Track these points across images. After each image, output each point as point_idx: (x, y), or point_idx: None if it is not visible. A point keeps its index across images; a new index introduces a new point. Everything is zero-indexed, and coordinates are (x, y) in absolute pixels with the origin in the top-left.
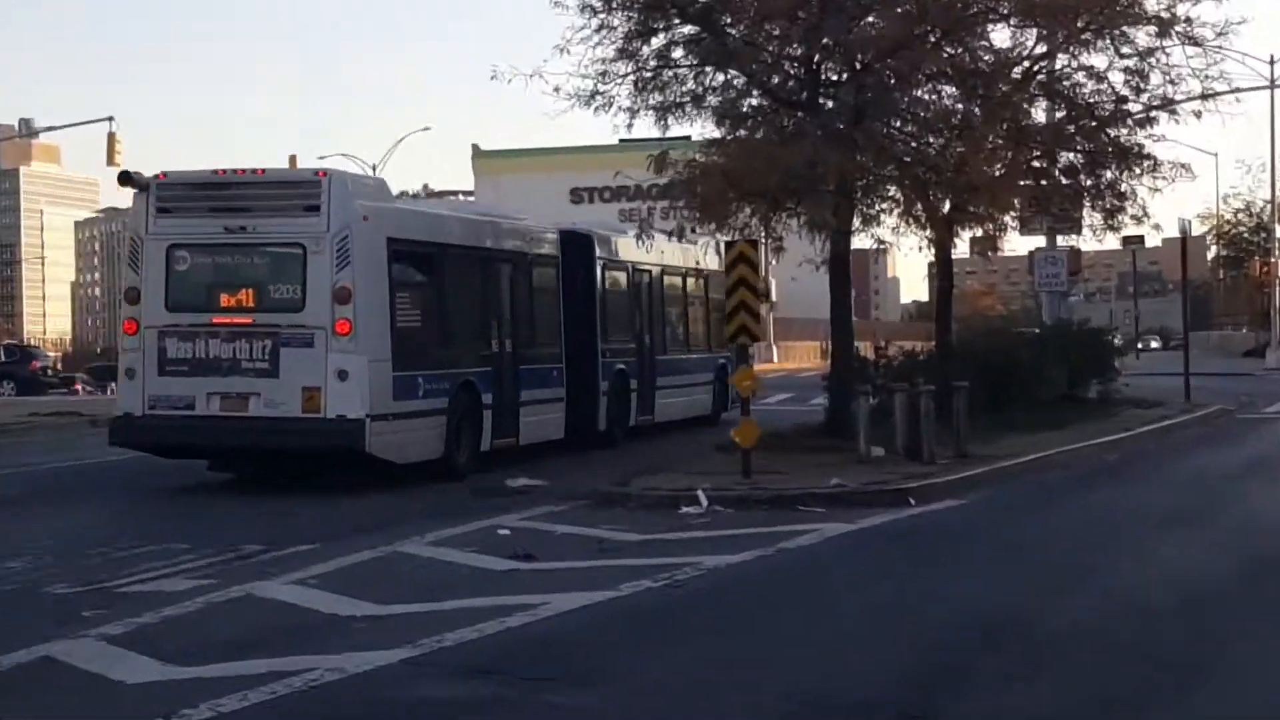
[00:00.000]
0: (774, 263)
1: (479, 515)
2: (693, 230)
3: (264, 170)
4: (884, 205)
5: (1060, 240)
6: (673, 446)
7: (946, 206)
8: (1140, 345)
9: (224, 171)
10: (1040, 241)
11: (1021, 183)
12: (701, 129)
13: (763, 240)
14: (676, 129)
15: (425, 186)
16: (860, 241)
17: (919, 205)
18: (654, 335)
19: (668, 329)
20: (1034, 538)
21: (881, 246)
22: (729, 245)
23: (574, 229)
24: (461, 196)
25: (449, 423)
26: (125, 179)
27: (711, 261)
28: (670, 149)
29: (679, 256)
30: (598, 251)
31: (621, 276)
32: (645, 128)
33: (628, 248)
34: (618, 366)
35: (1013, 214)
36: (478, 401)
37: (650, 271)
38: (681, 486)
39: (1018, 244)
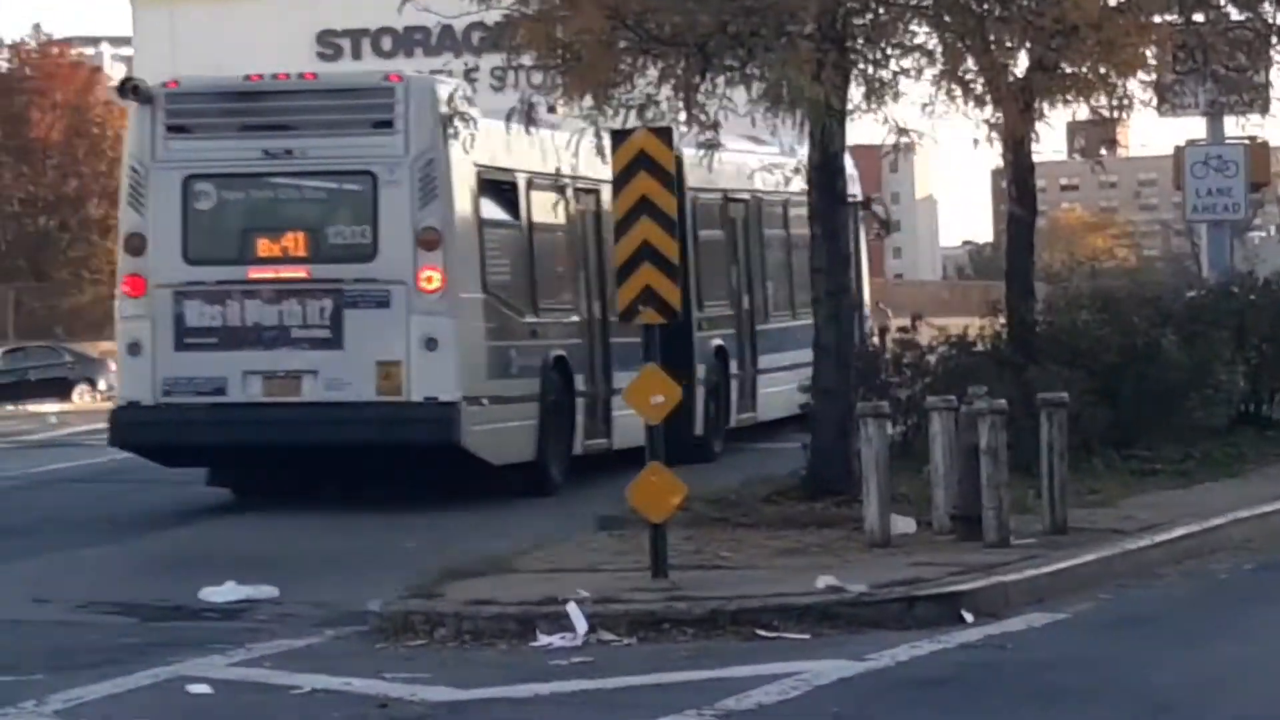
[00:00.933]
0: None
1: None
2: (551, 109)
3: (315, 74)
4: (908, 62)
5: (1233, 125)
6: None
7: (1023, 64)
8: None
9: (259, 77)
10: (1196, 129)
11: (1159, 18)
12: None
13: (682, 126)
14: None
15: (36, 28)
16: (865, 131)
17: (971, 61)
18: (754, 297)
19: (770, 287)
20: (1196, 689)
21: (905, 140)
22: (617, 137)
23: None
24: (108, 46)
25: (541, 414)
26: (125, 89)
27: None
28: None
29: (766, 177)
30: (689, 179)
31: (715, 210)
32: None
33: (720, 168)
34: (714, 343)
35: (1144, 76)
36: (569, 386)
37: (745, 202)
38: (536, 596)
39: (1154, 135)
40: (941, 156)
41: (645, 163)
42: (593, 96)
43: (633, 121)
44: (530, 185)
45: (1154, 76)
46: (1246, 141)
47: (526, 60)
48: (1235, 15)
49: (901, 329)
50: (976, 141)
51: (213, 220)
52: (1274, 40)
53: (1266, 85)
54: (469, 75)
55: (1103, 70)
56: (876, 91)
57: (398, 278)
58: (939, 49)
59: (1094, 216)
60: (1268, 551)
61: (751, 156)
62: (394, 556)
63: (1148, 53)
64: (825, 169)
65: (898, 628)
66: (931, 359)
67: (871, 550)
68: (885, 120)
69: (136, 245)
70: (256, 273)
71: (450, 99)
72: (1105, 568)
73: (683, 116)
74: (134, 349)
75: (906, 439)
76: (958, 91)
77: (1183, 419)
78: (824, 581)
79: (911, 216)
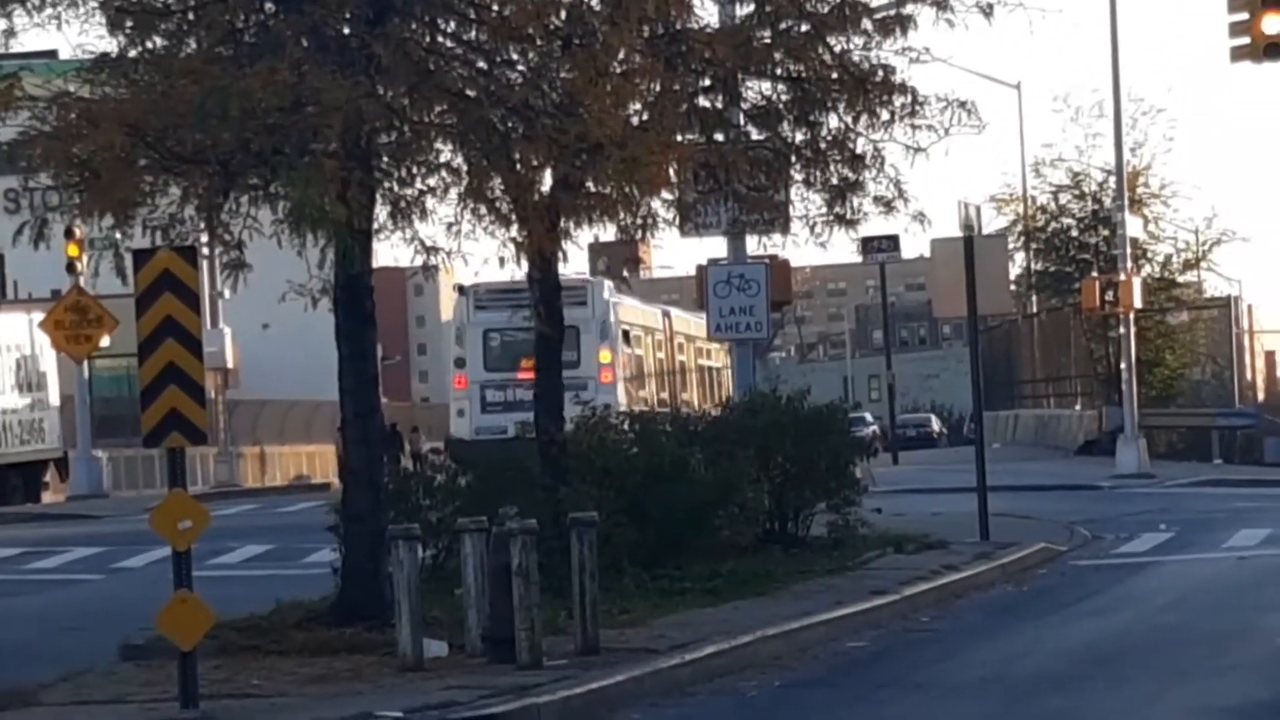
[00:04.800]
0: (225, 293)
1: None
2: (69, 232)
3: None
4: (434, 181)
5: (753, 244)
6: None
7: (547, 182)
8: (899, 434)
9: (515, 279)
10: (718, 248)
11: (681, 138)
12: (82, 35)
13: (206, 246)
14: (30, 37)
15: None
16: (391, 252)
17: (496, 180)
18: None
19: None
20: None
21: (430, 261)
22: (140, 257)
23: None
24: None
25: None
26: (457, 288)
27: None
28: (23, 71)
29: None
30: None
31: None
32: None
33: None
34: None
35: (667, 195)
36: None
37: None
38: None
39: (678, 255)
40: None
41: (170, 283)
42: (113, 215)
43: (157, 241)
44: (642, 332)
45: (676, 195)
46: (767, 260)
47: (45, 179)
48: (755, 135)
49: (433, 450)
50: (503, 260)
51: (499, 351)
52: (793, 160)
53: (786, 204)
54: None
55: (626, 189)
56: (402, 210)
57: (590, 375)
58: (464, 167)
59: None
60: (796, 669)
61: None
62: None
63: (670, 171)
64: (351, 290)
65: None
66: (463, 481)
67: (404, 674)
68: (412, 240)
69: (461, 363)
70: (520, 376)
71: (609, 291)
72: (637, 687)
73: (203, 236)
74: (460, 413)
75: (439, 561)
76: (483, 210)
77: (710, 538)
78: (356, 711)
79: (438, 338)
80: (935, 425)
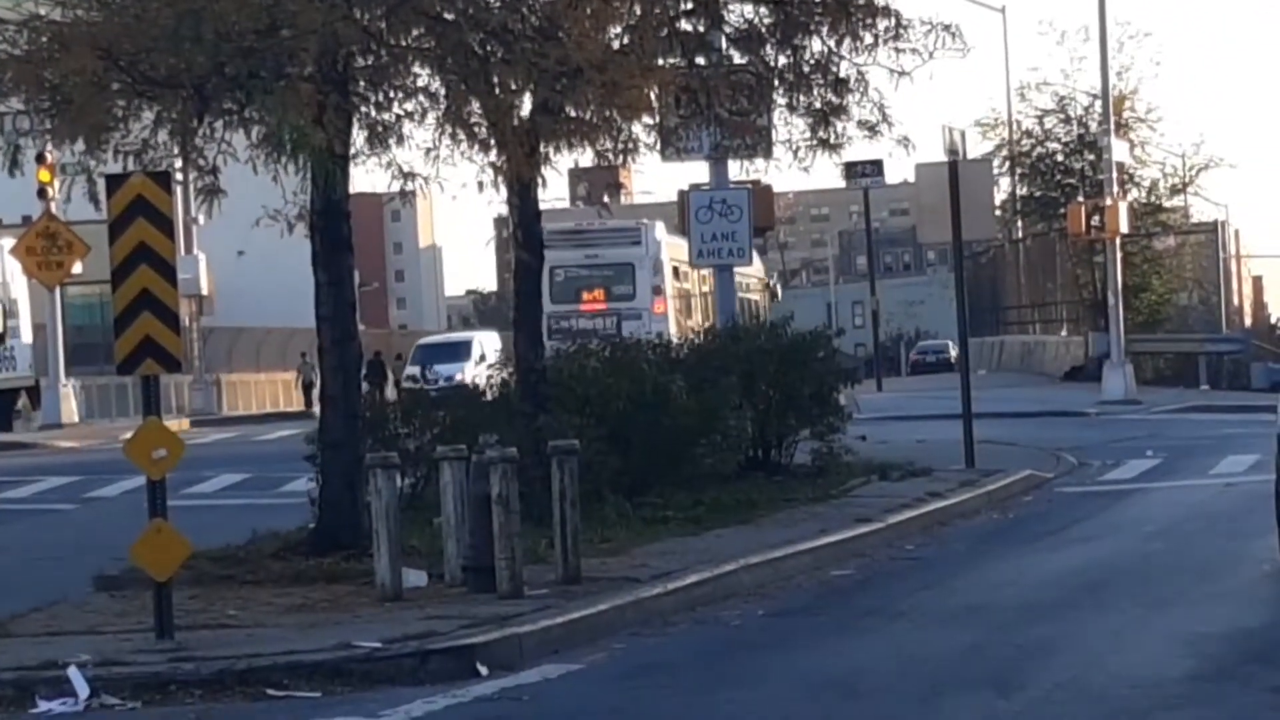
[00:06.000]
0: (200, 219)
1: None
2: (40, 158)
3: (604, 219)
4: (411, 106)
5: (736, 169)
6: None
7: (527, 106)
8: (920, 359)
9: (579, 224)
10: (700, 174)
11: (662, 61)
12: None
13: (180, 172)
14: None
15: None
16: (368, 178)
17: (475, 104)
18: None
19: None
20: None
21: (408, 186)
22: (113, 183)
23: None
24: None
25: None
26: None
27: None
28: None
29: None
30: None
31: None
32: None
33: None
34: None
35: (648, 119)
36: None
37: None
38: (34, 660)
39: (659, 182)
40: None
41: (143, 208)
42: (85, 141)
43: (130, 167)
44: (688, 268)
45: (658, 120)
46: (750, 185)
47: (16, 104)
48: (737, 59)
49: (410, 378)
50: (481, 185)
51: (563, 285)
52: (775, 84)
53: (769, 129)
54: None
55: (607, 113)
56: (380, 135)
57: (644, 307)
58: (442, 91)
59: None
60: (779, 597)
61: None
62: None
63: (651, 95)
64: (328, 215)
65: (411, 683)
66: (432, 407)
67: (383, 605)
68: (389, 165)
69: None
70: (583, 308)
71: (660, 231)
72: (619, 616)
73: (177, 161)
74: None
75: (418, 490)
76: (462, 135)
77: (693, 466)
78: (335, 639)
79: (415, 266)
80: (953, 351)
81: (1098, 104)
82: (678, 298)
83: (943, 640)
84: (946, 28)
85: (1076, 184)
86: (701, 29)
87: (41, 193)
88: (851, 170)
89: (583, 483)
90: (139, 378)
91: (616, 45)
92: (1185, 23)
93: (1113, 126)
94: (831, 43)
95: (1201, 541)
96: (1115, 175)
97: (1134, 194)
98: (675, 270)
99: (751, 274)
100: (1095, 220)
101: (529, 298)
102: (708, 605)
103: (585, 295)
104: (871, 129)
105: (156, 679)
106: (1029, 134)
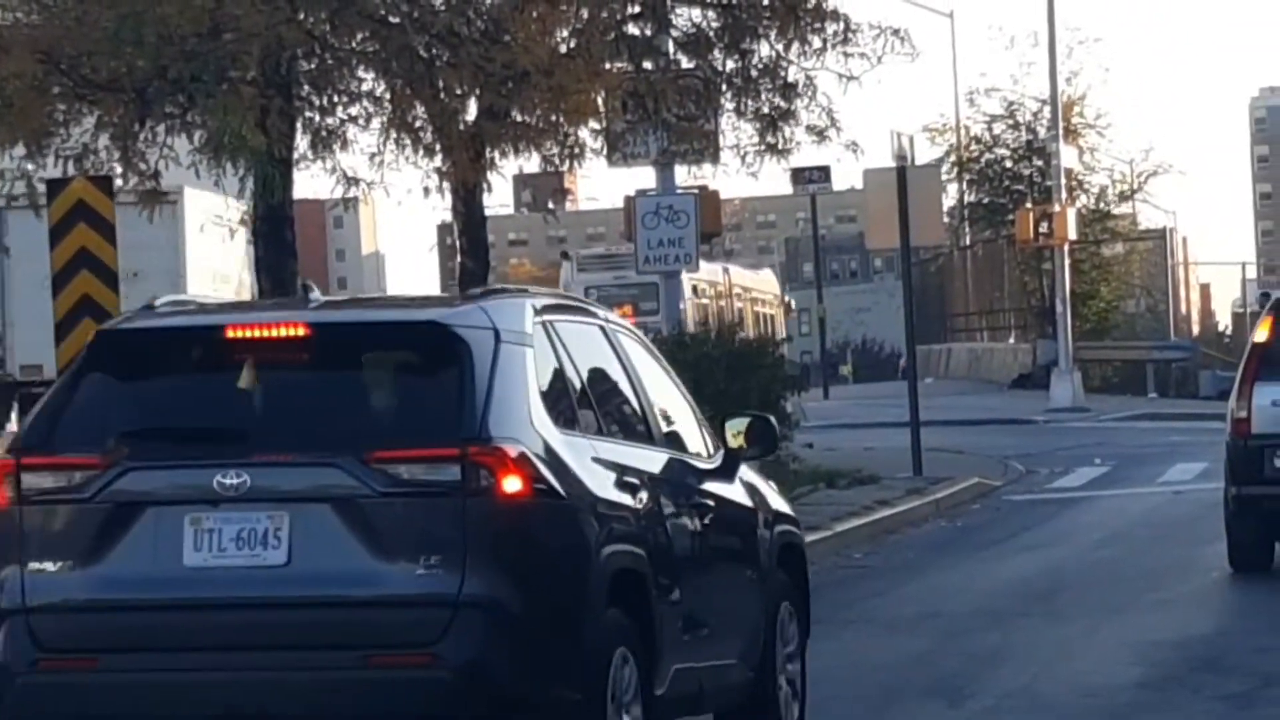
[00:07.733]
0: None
1: None
2: None
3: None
4: (356, 110)
5: (682, 175)
6: None
7: (472, 111)
8: (834, 372)
9: (610, 249)
10: (646, 179)
11: (610, 66)
12: None
13: (120, 178)
14: None
15: None
16: (310, 184)
17: (419, 108)
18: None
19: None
20: None
21: (352, 192)
22: (54, 187)
23: None
24: None
25: None
26: (563, 255)
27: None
28: None
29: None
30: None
31: None
32: None
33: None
34: None
35: (595, 125)
36: None
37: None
38: None
39: (604, 189)
40: (388, 211)
41: (84, 213)
42: (25, 145)
43: (72, 171)
44: (706, 285)
45: (604, 124)
46: (696, 191)
47: None
48: (685, 63)
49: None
50: (427, 191)
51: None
52: (723, 88)
53: (716, 133)
54: None
55: (553, 118)
56: (324, 140)
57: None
58: (387, 96)
59: (543, 271)
60: None
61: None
62: None
63: (598, 100)
64: (271, 220)
65: None
66: None
67: None
68: (333, 170)
69: None
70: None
71: None
72: None
73: (118, 165)
74: None
75: None
76: (406, 140)
77: None
78: None
79: (358, 273)
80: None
81: (1046, 109)
82: (698, 313)
83: (892, 649)
84: (895, 32)
85: (1025, 190)
86: (649, 33)
87: None
88: (799, 176)
89: None
90: None
91: (563, 49)
92: (1135, 30)
93: (1061, 132)
94: (780, 47)
95: (1151, 549)
96: (1064, 181)
97: (1082, 200)
98: (695, 288)
99: (765, 289)
100: (1043, 227)
101: None
102: None
103: (618, 309)
104: (820, 134)
105: None
106: (978, 140)
